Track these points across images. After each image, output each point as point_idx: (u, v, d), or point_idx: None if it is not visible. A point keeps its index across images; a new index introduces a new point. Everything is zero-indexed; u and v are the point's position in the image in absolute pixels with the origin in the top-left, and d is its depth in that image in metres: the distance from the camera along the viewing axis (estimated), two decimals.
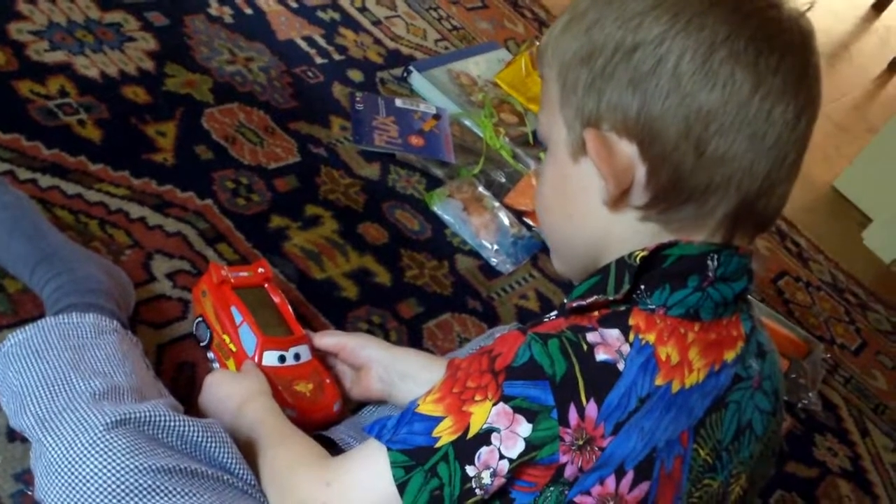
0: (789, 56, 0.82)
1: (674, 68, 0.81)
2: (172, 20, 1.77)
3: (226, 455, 0.98)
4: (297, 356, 1.23)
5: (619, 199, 0.85)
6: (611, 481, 0.81)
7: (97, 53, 1.61)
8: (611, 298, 0.84)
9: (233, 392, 1.13)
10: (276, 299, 1.29)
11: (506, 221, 1.78)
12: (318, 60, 1.90)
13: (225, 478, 0.96)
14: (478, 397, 0.82)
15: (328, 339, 1.27)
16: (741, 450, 0.89)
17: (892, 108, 3.17)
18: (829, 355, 1.99)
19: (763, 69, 0.81)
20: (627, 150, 0.83)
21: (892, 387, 2.10)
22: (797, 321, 2.07)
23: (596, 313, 0.85)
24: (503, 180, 1.87)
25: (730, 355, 0.86)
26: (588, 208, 0.87)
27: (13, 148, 1.38)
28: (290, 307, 1.29)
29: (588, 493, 0.82)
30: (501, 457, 0.81)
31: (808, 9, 0.86)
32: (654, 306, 0.83)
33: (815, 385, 1.86)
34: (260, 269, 1.31)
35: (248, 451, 1.02)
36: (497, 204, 1.80)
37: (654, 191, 0.84)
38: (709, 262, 0.84)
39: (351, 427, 1.20)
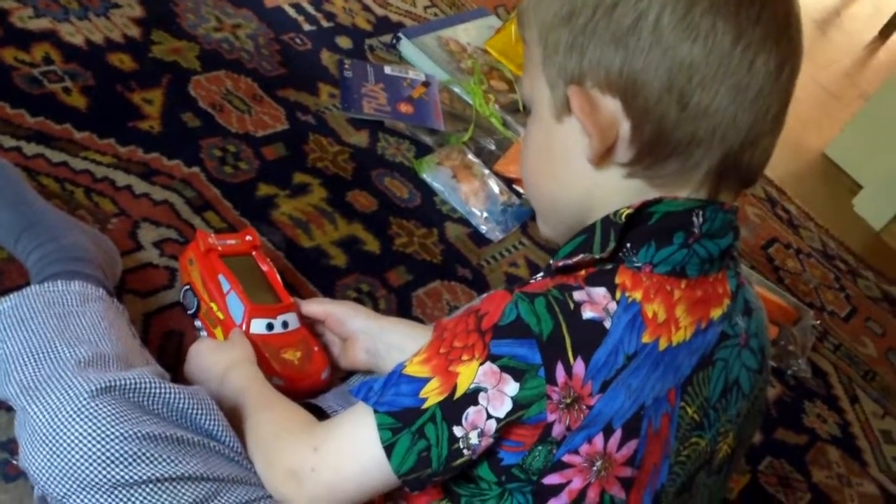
0: (770, 6, 0.82)
1: (655, 22, 0.80)
2: None
3: (212, 422, 0.98)
4: (285, 324, 1.23)
5: (603, 156, 0.85)
6: (599, 440, 0.82)
7: (82, 20, 1.59)
8: (597, 257, 0.84)
9: (217, 360, 1.13)
10: (264, 267, 1.28)
11: (495, 189, 1.77)
12: (307, 27, 1.89)
13: (211, 445, 0.96)
14: (465, 357, 0.82)
15: (315, 307, 1.27)
16: (728, 408, 0.89)
17: (884, 74, 3.16)
18: (818, 322, 1.99)
19: (744, 20, 0.80)
20: (611, 105, 0.83)
21: (881, 354, 2.10)
22: (787, 288, 2.07)
23: (582, 272, 0.84)
24: (493, 148, 1.86)
25: (716, 313, 0.86)
26: (573, 167, 0.87)
27: None
28: (278, 275, 1.29)
29: (576, 453, 0.82)
30: (489, 416, 0.81)
31: None
32: (640, 264, 0.83)
33: (804, 352, 1.87)
34: (248, 238, 1.30)
35: (234, 418, 1.02)
36: (487, 171, 1.79)
37: (639, 146, 0.83)
38: (694, 219, 0.84)
39: (339, 395, 1.20)
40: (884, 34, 3.60)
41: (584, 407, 0.81)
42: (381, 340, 1.22)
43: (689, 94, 0.81)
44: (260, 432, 1.00)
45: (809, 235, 2.33)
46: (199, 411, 0.98)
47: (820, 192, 2.58)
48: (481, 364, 0.81)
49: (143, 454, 0.90)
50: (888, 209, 2.55)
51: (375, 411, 0.85)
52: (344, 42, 1.92)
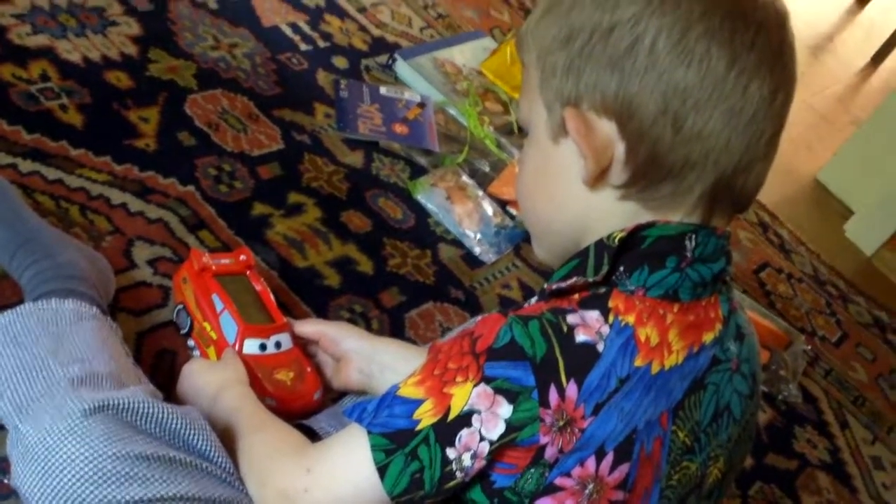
0: (764, 33, 0.83)
1: (650, 46, 0.82)
2: (156, 5, 1.76)
3: (204, 443, 0.98)
4: (278, 344, 1.23)
5: (598, 178, 0.86)
6: (591, 463, 0.82)
7: (80, 38, 1.60)
8: (590, 280, 0.85)
9: (209, 380, 1.13)
10: (258, 287, 1.29)
11: (489, 211, 1.77)
12: (303, 47, 1.90)
13: (203, 465, 0.96)
14: (459, 378, 0.82)
15: (308, 328, 1.27)
16: (719, 432, 0.90)
17: (876, 100, 3.17)
18: (809, 347, 2.00)
19: (738, 46, 0.82)
20: (606, 127, 0.84)
21: (871, 379, 2.11)
22: (778, 313, 2.08)
23: (576, 296, 0.85)
24: (487, 169, 1.87)
25: (708, 337, 0.87)
26: (568, 189, 0.88)
27: None
28: (271, 295, 1.29)
29: (568, 475, 0.82)
30: (482, 438, 0.81)
31: None
32: (633, 287, 0.84)
33: (795, 377, 1.87)
34: (241, 257, 1.30)
35: (226, 439, 1.02)
36: (481, 193, 1.80)
37: (633, 168, 0.84)
38: (687, 243, 0.85)
39: (332, 416, 1.20)
40: (876, 60, 3.62)
41: (577, 430, 0.81)
42: (375, 361, 1.22)
43: (684, 117, 0.82)
44: (252, 453, 1.00)
45: (801, 260, 2.33)
46: (192, 431, 0.98)
47: (812, 217, 2.59)
48: (475, 386, 0.81)
49: (136, 474, 0.90)
50: (879, 235, 2.56)
51: (369, 432, 0.85)
52: (340, 62, 1.93)
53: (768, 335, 1.89)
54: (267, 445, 1.00)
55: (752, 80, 0.82)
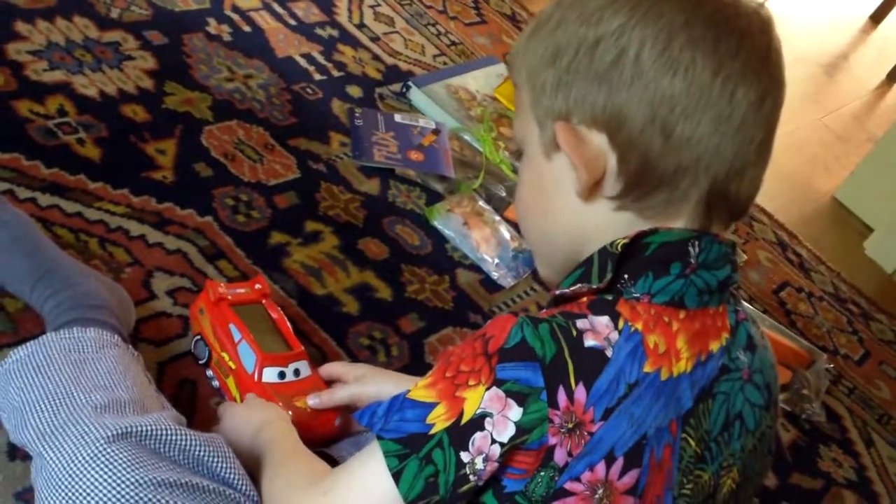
0: (748, 39, 0.84)
1: (635, 58, 0.83)
2: (171, 39, 1.77)
3: (228, 469, 0.98)
4: (296, 372, 1.23)
5: (592, 189, 0.87)
6: (600, 468, 0.82)
7: (96, 72, 1.61)
8: (594, 287, 0.85)
9: (251, 418, 1.13)
10: (274, 315, 1.29)
11: (506, 235, 1.78)
12: (317, 77, 1.91)
13: (227, 492, 0.96)
14: (471, 381, 0.82)
15: (334, 370, 1.27)
16: (731, 442, 0.89)
17: (891, 117, 3.17)
18: (832, 366, 1.99)
19: (723, 53, 0.83)
20: (597, 139, 0.86)
21: (895, 397, 2.09)
22: (800, 332, 2.07)
23: (584, 299, 0.86)
24: (503, 194, 1.87)
25: (715, 346, 0.87)
26: (563, 202, 0.89)
27: (13, 167, 1.38)
28: (288, 323, 1.29)
29: (578, 480, 0.82)
30: (493, 441, 0.81)
31: (764, 1, 0.89)
32: (638, 294, 0.84)
33: (818, 396, 1.86)
34: (257, 286, 1.31)
35: (258, 469, 1.02)
36: (497, 218, 1.80)
37: (626, 178, 0.85)
38: (690, 249, 0.85)
39: (353, 444, 1.20)
40: (891, 78, 3.61)
41: (586, 433, 0.81)
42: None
43: (672, 124, 0.83)
44: (275, 482, 1.01)
45: (821, 279, 2.32)
46: (216, 458, 0.98)
47: (831, 235, 2.57)
48: (487, 389, 0.81)
49: (158, 501, 0.90)
50: None
51: (380, 438, 0.84)
52: (354, 91, 1.94)
53: (790, 354, 1.88)
54: (289, 474, 1.01)
55: (738, 87, 0.83)
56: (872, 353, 2.18)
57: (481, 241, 1.74)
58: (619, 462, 0.82)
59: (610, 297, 0.85)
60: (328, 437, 1.20)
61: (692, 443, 0.86)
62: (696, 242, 0.85)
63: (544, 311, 0.87)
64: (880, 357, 2.19)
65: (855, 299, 2.33)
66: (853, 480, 1.79)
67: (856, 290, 2.36)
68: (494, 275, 1.70)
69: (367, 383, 1.23)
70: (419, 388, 0.85)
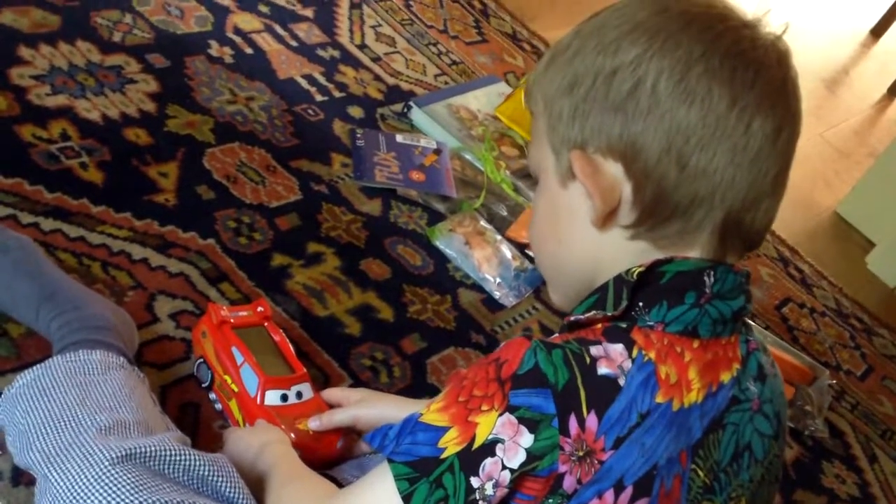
0: (765, 71, 0.85)
1: (652, 88, 0.83)
2: (173, 62, 1.78)
3: (233, 490, 0.99)
4: (299, 394, 1.23)
5: (607, 218, 0.87)
6: (609, 495, 0.81)
7: (98, 96, 1.62)
8: (609, 314, 0.85)
9: (252, 441, 1.14)
10: (277, 338, 1.29)
11: (508, 254, 1.78)
12: (319, 98, 1.92)
13: None
14: (484, 407, 0.82)
15: (335, 396, 1.27)
16: (740, 472, 0.89)
17: (893, 132, 3.17)
18: (834, 381, 1.99)
19: (739, 84, 0.83)
20: (612, 168, 0.86)
21: None
22: (802, 348, 2.07)
23: (599, 326, 0.86)
24: (505, 213, 1.88)
25: (726, 376, 0.87)
26: (578, 231, 0.89)
27: (16, 192, 1.39)
28: (290, 345, 1.30)
29: None
30: (503, 467, 0.81)
31: (784, 32, 0.88)
32: (652, 323, 0.84)
33: (821, 412, 1.86)
34: (259, 308, 1.31)
35: (262, 494, 1.03)
36: (499, 237, 1.81)
37: (641, 207, 0.86)
38: (705, 279, 0.85)
39: (356, 466, 1.20)
40: (892, 92, 3.62)
41: (596, 461, 0.81)
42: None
43: (688, 155, 0.84)
44: (283, 501, 1.01)
45: (823, 294, 2.32)
46: (220, 478, 0.99)
47: (832, 250, 2.58)
48: (500, 415, 0.81)
49: None
50: None
51: (391, 461, 0.84)
52: (356, 112, 1.95)
53: (792, 371, 1.88)
54: (295, 496, 1.01)
55: (754, 118, 0.84)
56: (875, 369, 2.18)
57: (483, 260, 1.74)
58: (629, 491, 0.82)
59: (624, 325, 0.85)
60: (331, 460, 1.21)
61: (701, 473, 0.85)
62: (712, 272, 0.86)
63: (557, 335, 0.87)
64: (883, 372, 2.19)
65: (857, 314, 2.33)
66: (856, 497, 1.79)
67: (858, 306, 2.36)
68: (496, 294, 1.71)
69: (367, 405, 1.24)
70: (431, 412, 0.85)
